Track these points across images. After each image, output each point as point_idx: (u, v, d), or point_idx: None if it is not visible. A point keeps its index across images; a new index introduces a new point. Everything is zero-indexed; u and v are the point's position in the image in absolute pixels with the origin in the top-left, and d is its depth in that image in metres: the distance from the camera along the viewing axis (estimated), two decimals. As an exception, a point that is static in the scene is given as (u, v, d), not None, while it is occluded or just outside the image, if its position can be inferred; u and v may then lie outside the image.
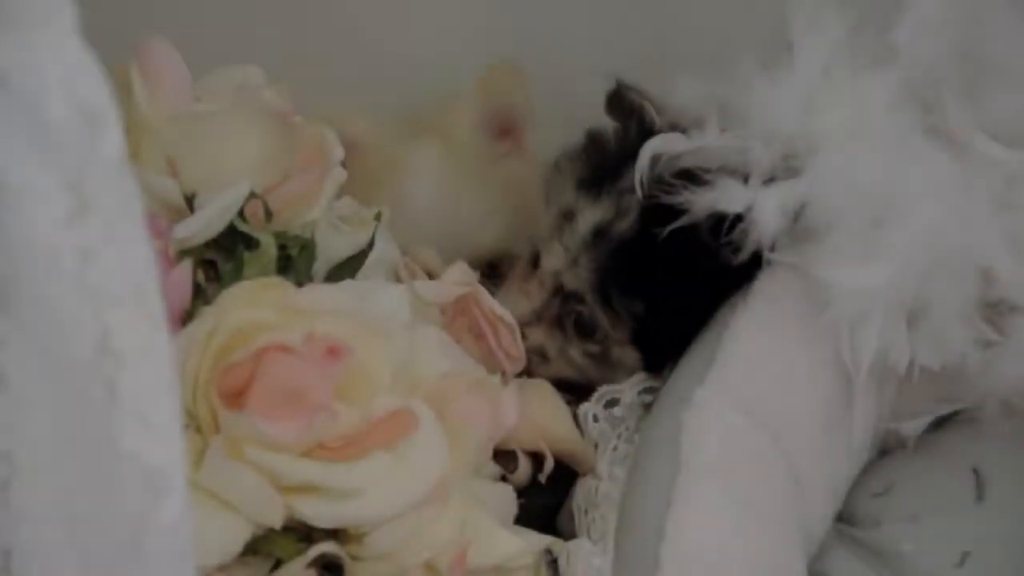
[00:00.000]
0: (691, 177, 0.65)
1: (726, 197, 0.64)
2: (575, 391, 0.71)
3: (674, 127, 0.68)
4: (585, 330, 0.71)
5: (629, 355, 0.71)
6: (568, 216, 0.70)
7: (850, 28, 0.66)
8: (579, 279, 0.70)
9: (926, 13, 0.66)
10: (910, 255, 0.62)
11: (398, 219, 0.73)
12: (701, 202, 0.64)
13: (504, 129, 0.82)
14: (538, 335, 0.72)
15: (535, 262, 0.72)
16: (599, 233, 0.69)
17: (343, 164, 0.69)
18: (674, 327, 0.68)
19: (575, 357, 0.72)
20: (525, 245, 0.75)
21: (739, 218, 0.64)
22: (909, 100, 0.65)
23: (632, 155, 0.67)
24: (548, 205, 0.72)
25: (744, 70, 0.67)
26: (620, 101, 0.71)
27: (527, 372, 0.71)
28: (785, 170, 0.64)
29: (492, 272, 0.80)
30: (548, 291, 0.71)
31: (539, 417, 0.66)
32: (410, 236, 0.73)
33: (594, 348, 0.71)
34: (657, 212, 0.65)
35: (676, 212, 0.64)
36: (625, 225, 0.68)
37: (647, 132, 0.68)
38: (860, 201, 0.63)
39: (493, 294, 0.68)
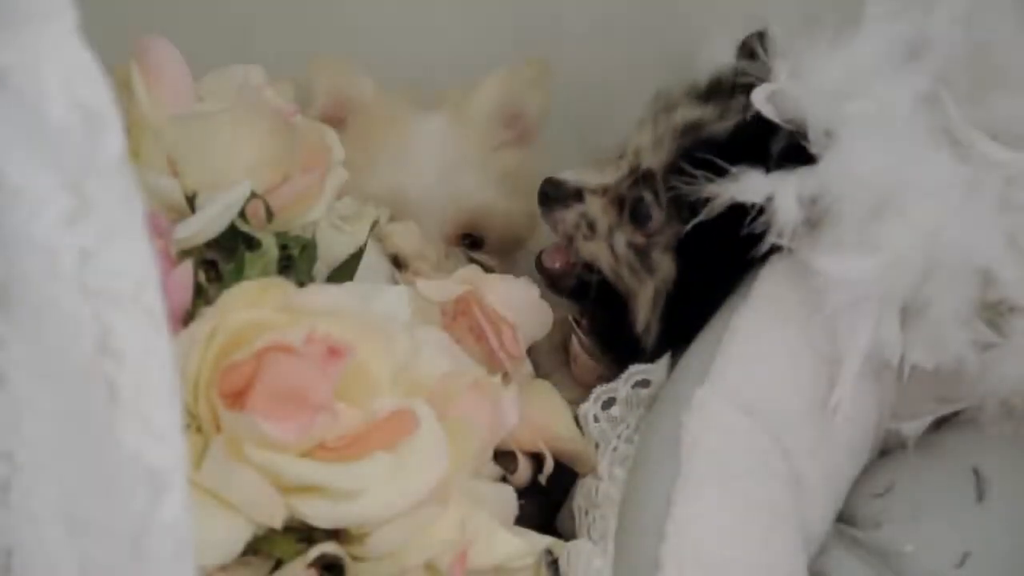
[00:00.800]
0: (712, 167, 0.65)
1: (747, 188, 0.64)
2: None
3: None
4: (639, 217, 0.72)
5: (666, 265, 0.71)
6: (669, 109, 0.72)
7: (919, 26, 0.67)
8: (657, 159, 0.71)
9: (948, 10, 0.66)
10: (905, 250, 0.62)
11: (394, 175, 0.79)
12: (724, 193, 0.65)
13: (515, 121, 0.85)
14: (596, 206, 0.74)
15: (622, 155, 0.74)
16: (694, 126, 0.70)
17: (343, 120, 0.75)
18: (713, 256, 0.68)
19: (618, 243, 0.73)
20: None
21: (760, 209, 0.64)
22: (934, 98, 0.65)
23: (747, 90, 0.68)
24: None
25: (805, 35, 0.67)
26: (753, 46, 0.72)
27: (569, 240, 0.74)
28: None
29: (473, 243, 0.83)
30: (624, 170, 0.73)
31: (539, 417, 0.66)
32: (402, 191, 0.78)
33: (640, 240, 0.72)
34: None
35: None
36: (721, 127, 0.69)
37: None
38: (861, 193, 0.63)
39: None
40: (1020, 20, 0.67)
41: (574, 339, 0.76)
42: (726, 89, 0.70)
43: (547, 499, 0.68)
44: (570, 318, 0.76)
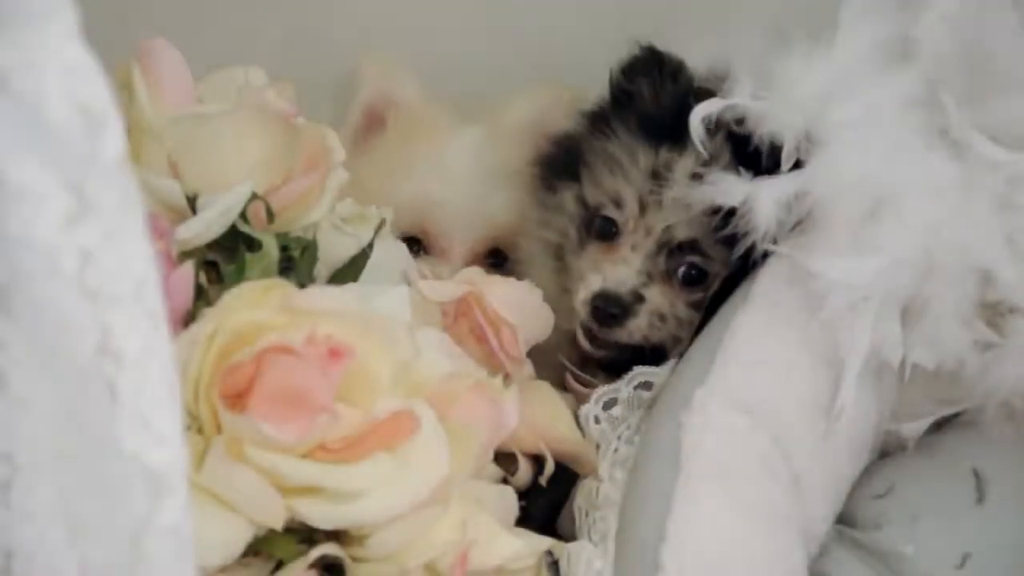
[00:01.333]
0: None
1: (722, 191, 0.64)
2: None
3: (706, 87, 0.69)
4: (694, 279, 0.71)
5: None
6: (657, 175, 0.70)
7: (899, 25, 0.67)
8: (691, 227, 0.70)
9: (938, 12, 0.66)
10: (903, 251, 0.62)
11: (431, 184, 0.83)
12: (698, 196, 0.65)
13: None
14: (655, 295, 0.72)
15: (598, 235, 0.73)
16: (694, 179, 0.69)
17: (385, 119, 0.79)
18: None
19: (681, 310, 0.72)
20: (555, 235, 0.77)
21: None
22: (926, 99, 0.65)
23: (683, 108, 0.68)
24: (605, 166, 0.73)
25: (777, 40, 0.67)
26: (651, 61, 0.72)
27: (646, 338, 0.72)
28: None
29: (495, 262, 0.84)
30: (647, 249, 0.71)
31: (540, 419, 0.66)
32: (437, 200, 0.81)
33: (699, 296, 0.72)
34: None
35: None
36: (722, 165, 0.68)
37: (686, 88, 0.70)
38: (856, 195, 0.63)
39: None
40: (1019, 21, 0.67)
41: (568, 376, 0.75)
42: (675, 126, 0.70)
43: (548, 500, 0.68)
44: (560, 357, 0.75)
